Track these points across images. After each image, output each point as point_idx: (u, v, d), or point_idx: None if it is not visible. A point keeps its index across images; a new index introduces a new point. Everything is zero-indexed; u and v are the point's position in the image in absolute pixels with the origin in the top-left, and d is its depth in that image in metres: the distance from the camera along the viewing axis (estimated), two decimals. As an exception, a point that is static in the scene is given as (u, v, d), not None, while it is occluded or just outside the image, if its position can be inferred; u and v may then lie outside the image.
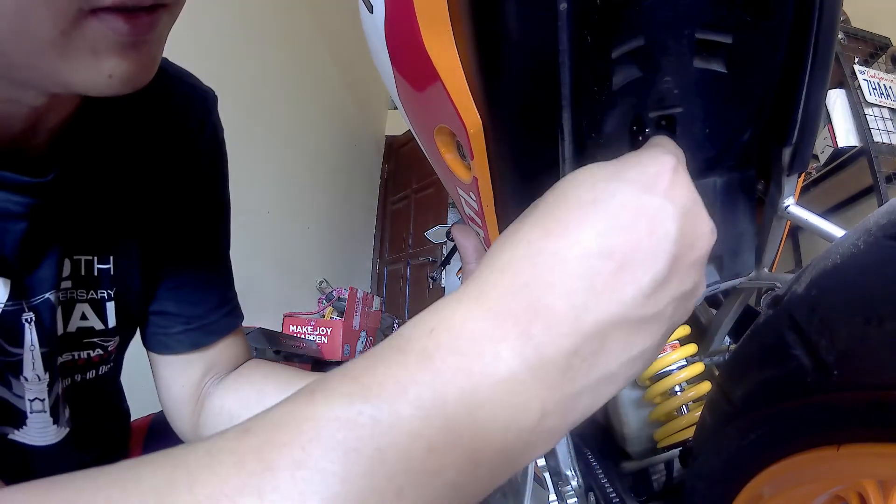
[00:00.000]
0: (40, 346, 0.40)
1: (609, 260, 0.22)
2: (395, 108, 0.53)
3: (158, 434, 0.60)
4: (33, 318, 0.39)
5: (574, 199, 0.23)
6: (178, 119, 0.51)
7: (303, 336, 2.40)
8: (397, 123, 4.03)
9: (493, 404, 0.19)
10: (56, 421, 0.43)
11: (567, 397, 0.21)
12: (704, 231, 0.25)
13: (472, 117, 0.31)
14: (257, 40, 2.21)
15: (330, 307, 2.61)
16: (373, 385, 0.19)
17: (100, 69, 0.29)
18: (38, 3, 0.25)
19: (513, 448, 0.20)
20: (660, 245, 0.23)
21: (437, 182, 2.98)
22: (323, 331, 2.44)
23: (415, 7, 0.30)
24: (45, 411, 0.42)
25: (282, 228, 2.43)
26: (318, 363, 2.38)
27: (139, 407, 0.64)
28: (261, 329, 1.87)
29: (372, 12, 0.36)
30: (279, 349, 1.99)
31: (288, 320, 2.42)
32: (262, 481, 0.16)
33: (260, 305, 2.24)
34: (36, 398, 0.41)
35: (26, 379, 0.40)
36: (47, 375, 0.41)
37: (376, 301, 2.97)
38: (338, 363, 2.43)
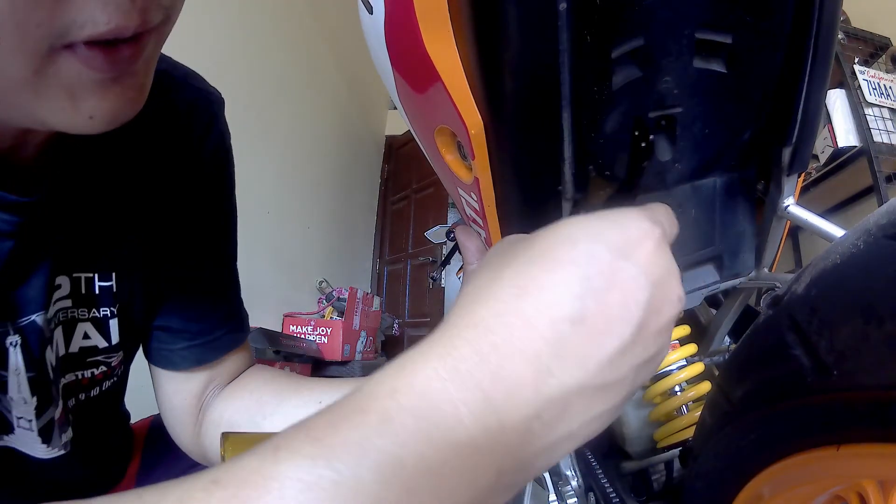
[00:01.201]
0: (26, 370, 0.38)
1: (579, 325, 0.22)
2: (395, 108, 0.53)
3: (158, 436, 0.59)
4: (19, 342, 0.37)
5: (552, 257, 0.23)
6: (182, 124, 0.48)
7: (303, 336, 2.40)
8: (397, 123, 4.03)
9: (450, 467, 0.20)
10: (47, 442, 0.41)
11: (525, 458, 0.21)
12: (672, 299, 0.25)
13: (473, 117, 0.31)
14: (257, 40, 2.21)
15: (330, 307, 2.61)
16: (335, 447, 0.19)
17: (79, 110, 0.26)
18: (4, 40, 0.22)
19: None
20: (629, 314, 0.23)
21: (437, 182, 2.98)
22: (323, 331, 2.45)
23: (415, 7, 0.30)
24: (32, 430, 0.40)
25: (282, 228, 2.43)
26: (318, 363, 2.39)
27: (139, 408, 0.63)
28: (261, 329, 1.87)
29: (371, 13, 0.36)
30: (279, 349, 1.99)
31: (288, 320, 2.42)
32: None
33: (260, 305, 2.24)
34: (22, 417, 0.39)
35: (11, 399, 0.38)
36: (35, 399, 0.39)
37: (376, 301, 2.97)
38: (338, 363, 2.44)
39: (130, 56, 0.26)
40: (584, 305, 0.22)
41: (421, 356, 0.22)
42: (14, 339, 0.36)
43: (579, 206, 0.34)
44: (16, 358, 0.37)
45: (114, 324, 0.45)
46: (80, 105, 0.26)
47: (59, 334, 0.41)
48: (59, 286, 0.41)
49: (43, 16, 0.22)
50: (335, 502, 0.18)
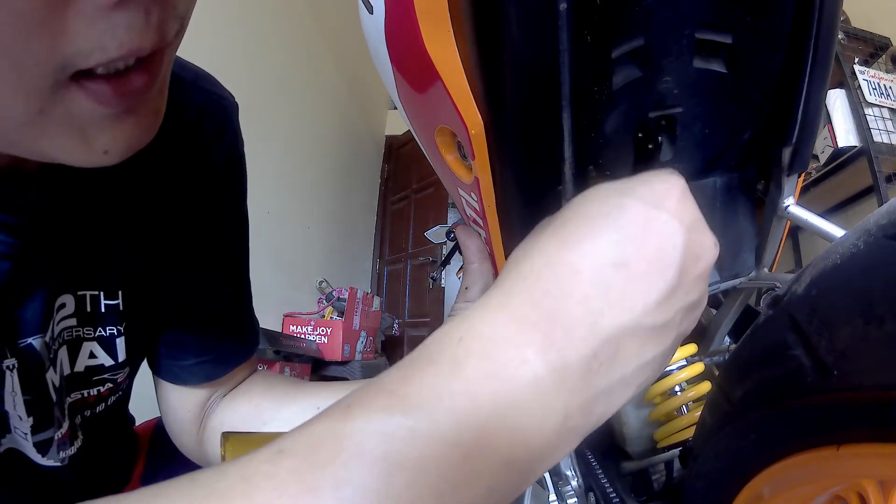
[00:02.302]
0: (23, 393, 0.36)
1: (622, 269, 0.23)
2: (395, 108, 0.52)
3: (162, 438, 0.59)
4: (15, 365, 0.35)
5: (586, 213, 0.25)
6: (191, 130, 0.46)
7: (303, 336, 2.40)
8: (397, 123, 4.03)
9: (520, 407, 0.20)
10: (42, 454, 0.40)
11: (587, 399, 0.22)
12: (708, 245, 0.26)
13: (473, 117, 0.31)
14: (257, 40, 2.21)
15: (330, 307, 2.61)
16: (409, 396, 0.19)
17: (92, 147, 0.24)
18: (2, 78, 0.20)
19: (541, 449, 0.21)
20: (668, 257, 0.24)
21: (437, 182, 2.98)
22: (323, 331, 2.45)
23: (415, 7, 0.30)
24: (27, 442, 0.39)
25: (282, 228, 2.43)
26: (319, 363, 2.39)
27: (142, 411, 0.63)
28: (261, 329, 1.87)
29: (372, 13, 0.36)
30: (279, 349, 1.99)
31: (288, 320, 2.42)
32: None
33: (260, 305, 2.23)
34: (17, 428, 0.38)
35: (8, 413, 0.37)
36: (31, 419, 0.38)
37: (376, 301, 2.97)
38: (338, 363, 2.44)
39: (144, 85, 0.24)
40: (623, 251, 0.23)
41: (480, 308, 0.23)
42: (10, 362, 0.35)
43: None
44: (12, 381, 0.36)
45: (120, 342, 0.44)
46: (93, 141, 0.24)
47: (63, 353, 0.40)
48: (64, 305, 0.39)
49: (41, 50, 0.20)
50: (413, 449, 0.18)
